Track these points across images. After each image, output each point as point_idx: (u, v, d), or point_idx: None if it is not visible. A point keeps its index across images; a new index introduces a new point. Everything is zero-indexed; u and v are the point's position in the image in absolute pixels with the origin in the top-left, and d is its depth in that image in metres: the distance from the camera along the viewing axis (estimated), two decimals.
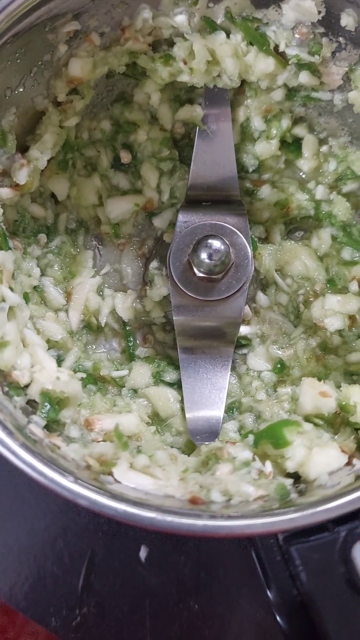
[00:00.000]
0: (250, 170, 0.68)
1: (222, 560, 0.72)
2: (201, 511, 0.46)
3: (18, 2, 0.51)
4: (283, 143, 0.68)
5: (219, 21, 0.61)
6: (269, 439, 0.53)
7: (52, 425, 0.53)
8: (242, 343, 0.67)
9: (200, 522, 0.43)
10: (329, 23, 0.58)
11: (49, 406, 0.53)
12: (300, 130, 0.68)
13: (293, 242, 0.68)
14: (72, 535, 0.74)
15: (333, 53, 0.60)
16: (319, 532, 0.44)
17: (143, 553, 0.74)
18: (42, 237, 0.65)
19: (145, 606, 0.73)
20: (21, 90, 0.58)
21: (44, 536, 0.74)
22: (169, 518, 0.43)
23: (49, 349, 0.61)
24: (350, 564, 0.43)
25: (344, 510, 0.43)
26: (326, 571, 0.43)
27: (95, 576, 0.74)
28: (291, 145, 0.68)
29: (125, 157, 0.68)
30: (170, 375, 0.66)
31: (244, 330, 0.66)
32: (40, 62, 0.58)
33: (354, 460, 0.50)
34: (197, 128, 0.66)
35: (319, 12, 0.58)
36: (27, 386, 0.54)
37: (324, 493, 0.47)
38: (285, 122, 0.67)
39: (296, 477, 0.52)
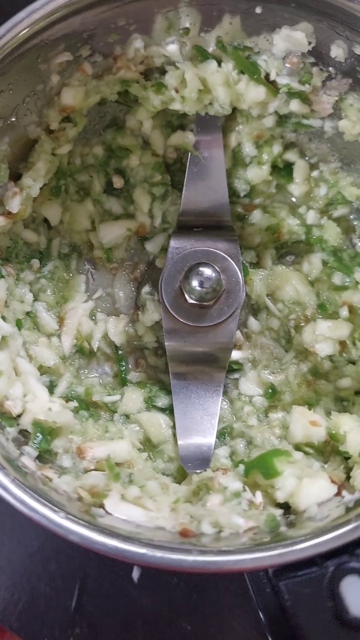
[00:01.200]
0: (242, 195, 0.69)
1: (214, 582, 0.72)
2: (192, 545, 0.47)
3: (9, 35, 0.52)
4: (274, 168, 0.68)
5: (210, 50, 0.61)
6: (259, 469, 0.53)
7: (44, 455, 0.54)
8: (234, 368, 0.67)
9: (190, 558, 0.43)
10: (319, 53, 0.59)
11: (41, 436, 0.53)
12: (291, 156, 0.68)
13: (284, 266, 0.69)
14: (65, 557, 0.74)
15: (323, 82, 0.61)
16: (308, 567, 0.44)
17: (135, 574, 0.74)
18: (35, 262, 0.66)
19: (137, 627, 0.73)
20: (14, 119, 0.58)
21: (37, 557, 0.75)
22: (159, 554, 0.43)
23: (41, 374, 0.62)
24: (338, 599, 0.43)
25: (333, 545, 0.43)
26: (315, 605, 0.44)
27: (88, 597, 0.74)
28: (282, 170, 0.69)
29: (118, 182, 0.69)
30: (162, 401, 0.66)
31: (235, 355, 0.67)
32: (32, 92, 0.58)
33: (343, 492, 0.50)
34: (189, 154, 0.66)
35: (310, 43, 0.58)
36: (19, 416, 0.54)
37: (314, 525, 0.48)
38: (277, 148, 0.67)
39: (286, 507, 0.52)
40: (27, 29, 0.52)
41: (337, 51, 0.58)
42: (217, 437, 0.64)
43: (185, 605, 0.73)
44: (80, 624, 0.74)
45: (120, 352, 0.68)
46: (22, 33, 0.52)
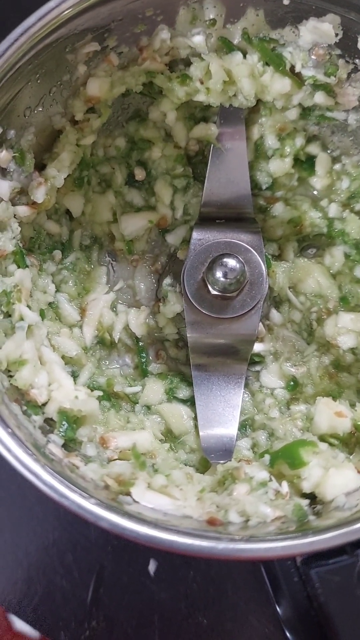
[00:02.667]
0: (264, 187, 0.69)
1: (230, 576, 0.72)
2: (219, 533, 0.46)
3: (40, 24, 0.52)
4: (296, 161, 0.68)
5: (235, 42, 0.61)
6: (285, 459, 0.53)
7: (69, 444, 0.54)
8: (255, 360, 0.67)
9: (220, 545, 0.43)
10: (345, 45, 0.59)
11: (66, 425, 0.53)
12: (313, 149, 0.68)
13: (306, 259, 0.69)
14: (81, 550, 0.74)
15: (349, 74, 0.61)
16: (338, 555, 0.44)
17: (152, 567, 0.74)
18: (57, 254, 0.66)
19: (154, 620, 0.73)
20: (40, 109, 0.58)
21: (53, 550, 0.75)
22: (189, 541, 0.43)
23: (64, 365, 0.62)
24: None
25: None
26: (345, 594, 0.43)
27: (104, 590, 0.74)
28: (304, 163, 0.69)
29: (140, 174, 0.69)
30: (183, 392, 0.66)
31: (257, 347, 0.67)
32: (59, 82, 0.58)
33: None
34: (212, 146, 0.66)
35: (336, 35, 0.58)
36: (44, 404, 0.54)
37: (341, 515, 0.48)
38: (299, 141, 0.67)
39: (312, 497, 0.52)
40: (56, 18, 0.52)
41: None
42: (239, 429, 0.64)
43: (201, 599, 0.73)
44: (96, 617, 0.74)
45: (141, 343, 0.69)
46: (51, 22, 0.52)
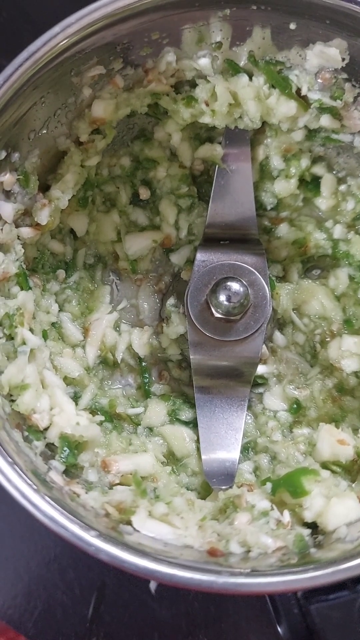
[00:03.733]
0: (269, 208, 0.69)
1: (232, 595, 0.72)
2: (219, 565, 0.46)
3: (45, 49, 0.52)
4: (302, 181, 0.68)
5: (241, 64, 0.61)
6: (287, 488, 0.53)
7: (71, 470, 0.54)
8: (259, 382, 0.67)
9: (220, 580, 0.43)
10: (352, 70, 0.59)
11: (68, 450, 0.53)
12: (319, 169, 0.68)
13: (310, 281, 0.68)
14: (83, 566, 0.75)
15: (355, 98, 0.60)
16: (339, 590, 0.44)
17: (153, 585, 0.74)
18: (61, 273, 0.66)
19: (154, 638, 0.73)
20: (44, 132, 0.58)
21: (55, 566, 0.75)
22: (189, 575, 0.43)
23: (66, 385, 0.62)
24: None
25: None
26: (345, 630, 0.43)
27: (105, 607, 0.74)
28: (310, 184, 0.69)
29: (144, 193, 0.69)
30: (185, 414, 0.66)
31: (260, 369, 0.66)
32: (64, 105, 0.58)
33: None
34: (217, 166, 0.66)
35: (343, 60, 0.58)
36: (46, 429, 0.54)
37: (342, 547, 0.47)
38: (305, 162, 0.67)
39: (314, 527, 0.52)
40: (61, 43, 0.52)
41: None
42: (241, 452, 0.64)
43: (202, 618, 0.73)
44: (97, 633, 0.74)
45: (144, 363, 0.68)
46: (56, 47, 0.52)
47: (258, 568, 0.46)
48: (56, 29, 0.52)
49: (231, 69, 0.61)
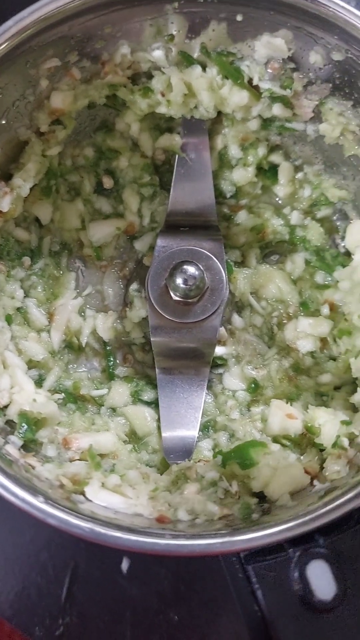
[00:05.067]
0: (228, 195, 0.71)
1: (200, 574, 0.74)
2: (167, 530, 0.48)
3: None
4: (259, 170, 0.70)
5: (195, 55, 0.63)
6: (236, 459, 0.55)
7: (30, 445, 0.56)
8: (218, 363, 0.69)
9: (162, 541, 0.45)
10: (299, 59, 0.61)
11: (26, 427, 0.55)
12: (276, 158, 0.70)
13: (268, 265, 0.71)
14: (56, 547, 0.76)
15: (304, 87, 0.63)
16: (276, 552, 0.46)
17: (125, 565, 0.76)
18: (26, 260, 0.68)
19: (126, 617, 0.75)
20: (4, 122, 0.60)
21: (29, 547, 0.76)
22: (134, 537, 0.45)
23: (30, 368, 0.64)
24: (305, 582, 0.45)
25: (300, 530, 0.45)
26: (282, 589, 0.45)
27: (78, 587, 0.76)
28: (267, 172, 0.71)
29: (108, 182, 0.71)
30: (148, 395, 0.68)
31: (219, 350, 0.68)
32: (22, 96, 0.60)
33: (315, 481, 0.52)
34: (177, 156, 0.68)
35: (289, 49, 0.60)
36: (6, 407, 0.56)
37: (286, 513, 0.49)
38: (262, 150, 0.69)
39: (262, 496, 0.54)
40: (15, 37, 0.54)
41: (316, 57, 0.60)
42: (201, 430, 0.66)
43: (173, 596, 0.75)
44: (70, 613, 0.76)
45: (108, 347, 0.70)
46: (10, 40, 0.54)
47: (203, 533, 0.48)
48: (9, 22, 0.54)
49: (185, 60, 0.63)
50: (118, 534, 0.45)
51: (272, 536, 0.45)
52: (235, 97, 0.63)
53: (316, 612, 0.45)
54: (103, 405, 0.67)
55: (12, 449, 0.52)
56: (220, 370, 0.69)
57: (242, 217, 0.71)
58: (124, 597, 0.75)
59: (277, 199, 0.72)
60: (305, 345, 0.65)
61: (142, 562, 0.75)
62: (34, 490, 0.47)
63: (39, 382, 0.63)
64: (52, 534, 0.77)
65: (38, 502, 0.46)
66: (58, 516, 0.46)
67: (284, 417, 0.58)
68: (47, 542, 0.77)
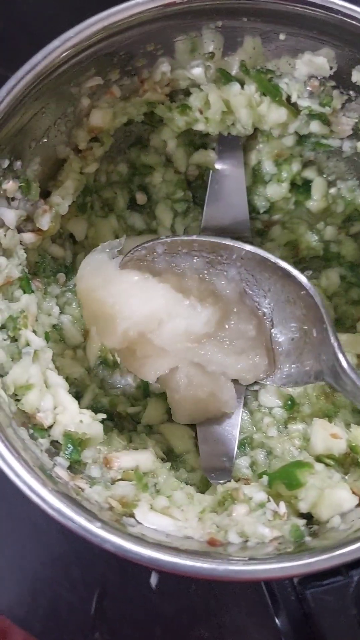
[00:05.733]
0: (262, 211, 0.71)
1: (231, 589, 0.74)
2: (219, 553, 0.48)
3: (45, 62, 0.54)
4: (293, 185, 0.70)
5: (233, 73, 0.63)
6: (282, 480, 0.55)
7: (75, 466, 0.55)
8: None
9: (221, 567, 0.45)
10: (340, 78, 0.61)
11: (72, 447, 0.55)
12: (309, 173, 0.70)
13: None
14: (86, 563, 0.76)
15: (343, 104, 0.63)
16: (333, 576, 0.46)
17: (154, 580, 0.75)
18: (61, 277, 0.68)
19: (156, 633, 0.75)
20: (45, 140, 0.60)
21: (58, 564, 0.76)
22: (191, 563, 0.45)
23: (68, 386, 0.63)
24: None
25: (357, 555, 0.45)
26: (339, 613, 0.45)
27: (108, 603, 0.76)
28: (301, 188, 0.71)
29: (141, 198, 0.71)
30: None
31: None
32: (63, 114, 0.60)
33: None
34: (211, 171, 0.68)
35: (331, 68, 0.60)
36: (50, 427, 0.56)
37: (337, 536, 0.49)
38: (296, 166, 0.69)
39: (309, 517, 0.54)
40: (61, 56, 0.54)
41: (358, 76, 0.60)
42: (238, 448, 0.66)
43: (202, 612, 0.75)
44: (100, 628, 0.76)
45: None
46: (56, 59, 0.54)
47: (255, 556, 0.48)
48: (56, 42, 0.54)
49: (223, 77, 0.63)
50: (176, 559, 0.45)
51: (330, 560, 0.45)
52: (274, 115, 0.63)
53: None
54: (139, 423, 0.67)
55: (61, 471, 0.52)
56: (256, 387, 0.69)
57: (276, 232, 0.71)
58: (154, 612, 0.75)
59: (310, 215, 0.72)
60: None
61: (171, 578, 0.74)
62: (89, 515, 0.46)
63: (76, 400, 0.63)
64: (82, 551, 0.76)
65: (95, 528, 0.46)
66: (114, 542, 0.45)
67: (328, 436, 0.58)
68: (77, 558, 0.76)
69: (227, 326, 0.60)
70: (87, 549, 0.76)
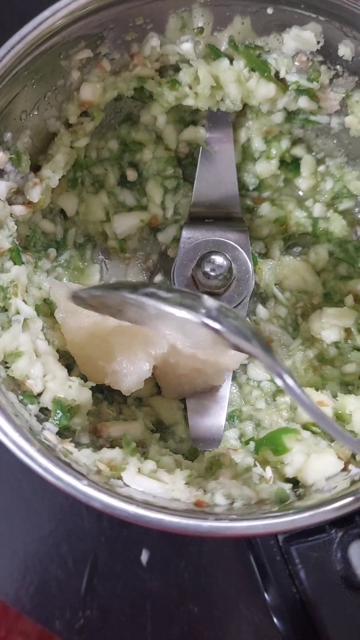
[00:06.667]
0: (251, 188, 0.72)
1: (221, 565, 0.74)
2: (205, 513, 0.49)
3: (35, 32, 0.54)
4: (282, 163, 0.71)
5: (222, 48, 0.64)
6: (269, 446, 0.56)
7: (64, 432, 0.56)
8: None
9: (205, 524, 0.46)
10: (327, 52, 0.62)
11: (60, 413, 0.55)
12: (298, 151, 0.71)
13: (292, 257, 0.71)
14: (76, 540, 0.77)
15: (331, 80, 0.64)
16: (317, 533, 0.46)
17: (144, 557, 0.76)
18: (52, 252, 0.68)
19: (146, 609, 0.75)
20: (35, 113, 0.61)
21: (49, 541, 0.77)
22: (176, 519, 0.46)
23: (58, 358, 0.64)
24: (347, 563, 0.46)
25: (341, 512, 0.46)
26: (324, 569, 0.46)
27: (98, 579, 0.76)
28: (290, 165, 0.72)
29: (132, 175, 0.72)
30: None
31: None
32: (54, 87, 0.61)
33: (350, 466, 0.53)
34: (201, 148, 0.69)
35: (318, 42, 0.61)
36: (40, 394, 0.56)
37: (321, 497, 0.50)
38: (285, 143, 0.70)
39: (295, 482, 0.54)
40: (51, 27, 0.55)
41: (345, 50, 0.60)
42: (227, 420, 0.66)
43: (192, 588, 0.75)
44: (90, 606, 0.76)
45: None
46: (46, 30, 0.55)
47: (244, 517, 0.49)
48: (46, 13, 0.54)
49: (213, 53, 0.64)
50: (161, 516, 0.46)
51: (313, 517, 0.46)
52: (262, 90, 0.64)
53: (358, 591, 0.45)
54: (129, 395, 0.67)
55: (50, 435, 0.52)
56: (245, 361, 0.70)
57: (265, 209, 0.72)
58: (144, 589, 0.76)
59: (299, 192, 0.73)
60: (330, 336, 0.66)
61: (162, 553, 0.75)
62: (77, 474, 0.47)
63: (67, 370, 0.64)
64: (72, 527, 0.77)
65: (82, 486, 0.46)
66: (101, 499, 0.46)
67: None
68: (67, 535, 0.77)
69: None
70: (77, 525, 0.77)
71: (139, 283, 0.66)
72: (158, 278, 0.71)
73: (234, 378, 0.69)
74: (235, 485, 0.52)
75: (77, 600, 0.76)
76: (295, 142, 0.71)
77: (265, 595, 0.66)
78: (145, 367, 0.57)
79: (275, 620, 0.62)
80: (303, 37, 0.61)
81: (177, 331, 0.49)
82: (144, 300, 0.46)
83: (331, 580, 0.46)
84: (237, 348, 0.46)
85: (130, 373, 0.57)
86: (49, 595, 0.77)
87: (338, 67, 0.62)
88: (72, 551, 0.77)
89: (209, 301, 0.47)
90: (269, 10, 0.60)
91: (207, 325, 0.45)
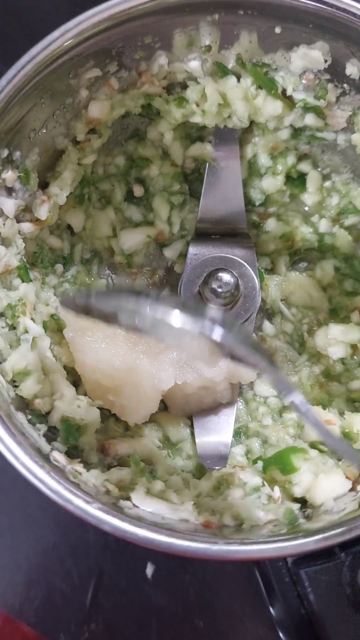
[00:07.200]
0: (257, 204, 0.72)
1: (225, 580, 0.74)
2: (214, 535, 0.49)
3: (45, 52, 0.55)
4: (288, 178, 0.71)
5: (230, 66, 0.64)
6: (277, 465, 0.56)
7: (72, 451, 0.56)
8: None
9: (215, 547, 0.46)
10: (334, 71, 0.62)
11: (69, 433, 0.55)
12: (304, 167, 0.71)
13: (297, 273, 0.72)
14: (81, 554, 0.77)
15: (338, 98, 0.64)
16: (326, 557, 0.47)
17: (149, 571, 0.76)
18: (59, 267, 0.68)
19: (151, 623, 0.75)
20: (44, 131, 0.61)
21: (54, 554, 0.77)
22: (186, 543, 0.46)
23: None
24: (356, 587, 0.46)
25: (350, 535, 0.46)
26: (333, 593, 0.46)
27: (103, 593, 0.76)
28: (296, 181, 0.72)
29: (138, 190, 0.72)
30: None
31: None
32: (62, 105, 0.61)
33: (358, 487, 0.53)
34: (207, 164, 0.69)
35: (326, 61, 0.61)
36: (48, 413, 0.56)
37: (330, 518, 0.50)
38: (291, 159, 0.70)
39: (303, 502, 0.54)
40: (60, 47, 0.55)
41: (352, 69, 0.61)
42: (233, 436, 0.66)
43: (197, 603, 0.75)
44: (95, 619, 0.76)
45: None
46: (56, 50, 0.55)
47: (250, 538, 0.49)
48: (56, 33, 0.55)
49: (220, 71, 0.64)
50: (172, 539, 0.46)
51: (323, 541, 0.46)
52: (269, 107, 0.64)
53: None
54: None
55: (59, 455, 0.52)
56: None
57: (271, 224, 0.72)
58: (149, 603, 0.76)
59: (305, 207, 0.73)
60: (336, 352, 0.66)
61: (166, 568, 0.75)
62: (87, 495, 0.47)
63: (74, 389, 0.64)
64: (77, 541, 0.77)
65: (92, 509, 0.46)
66: (112, 523, 0.46)
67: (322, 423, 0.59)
68: (71, 548, 0.77)
69: None
70: (82, 540, 0.77)
71: (139, 289, 0.66)
72: (164, 294, 0.71)
73: (240, 394, 0.69)
74: (243, 506, 0.52)
75: (82, 614, 0.76)
76: (301, 157, 0.71)
77: (271, 609, 0.66)
78: (152, 404, 0.58)
79: (280, 634, 0.62)
80: (311, 56, 0.61)
81: (175, 340, 0.47)
82: (142, 307, 0.44)
83: (340, 604, 0.46)
84: (241, 361, 0.45)
85: (138, 410, 0.58)
86: (54, 609, 0.77)
87: (345, 85, 0.63)
88: (77, 565, 0.77)
89: (213, 311, 0.47)
90: (277, 29, 0.60)
91: (210, 337, 0.43)
